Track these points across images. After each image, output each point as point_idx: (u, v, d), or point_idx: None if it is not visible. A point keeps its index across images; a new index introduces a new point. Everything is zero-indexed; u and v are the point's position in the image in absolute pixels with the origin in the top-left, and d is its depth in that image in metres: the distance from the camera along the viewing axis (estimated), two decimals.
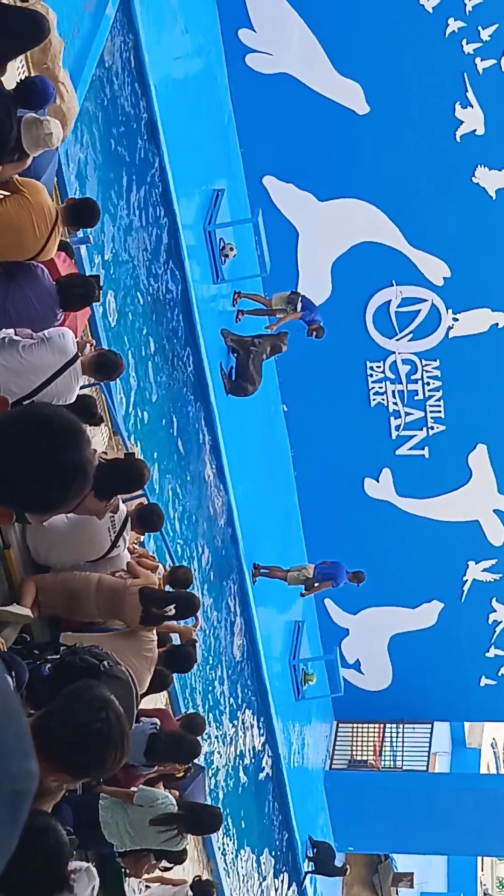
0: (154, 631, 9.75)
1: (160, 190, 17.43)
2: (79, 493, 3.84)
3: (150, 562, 10.99)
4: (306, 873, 22.90)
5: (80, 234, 12.33)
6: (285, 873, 22.39)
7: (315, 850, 23.02)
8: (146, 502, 11.70)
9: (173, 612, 9.66)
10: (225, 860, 18.39)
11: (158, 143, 17.14)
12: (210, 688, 18.79)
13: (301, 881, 22.83)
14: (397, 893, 27.75)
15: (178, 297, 18.11)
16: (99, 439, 13.40)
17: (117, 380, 13.18)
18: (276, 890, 21.76)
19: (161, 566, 12.02)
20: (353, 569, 21.15)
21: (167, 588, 11.69)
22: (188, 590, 11.70)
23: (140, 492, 11.65)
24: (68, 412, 3.84)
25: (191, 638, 12.08)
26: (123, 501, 10.00)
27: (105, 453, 11.17)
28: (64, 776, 4.53)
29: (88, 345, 10.59)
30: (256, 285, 21.07)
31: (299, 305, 20.11)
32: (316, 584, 21.07)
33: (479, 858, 37.98)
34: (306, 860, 22.90)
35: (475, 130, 20.57)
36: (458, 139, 20.63)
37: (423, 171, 21.01)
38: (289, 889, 22.54)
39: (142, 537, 12.34)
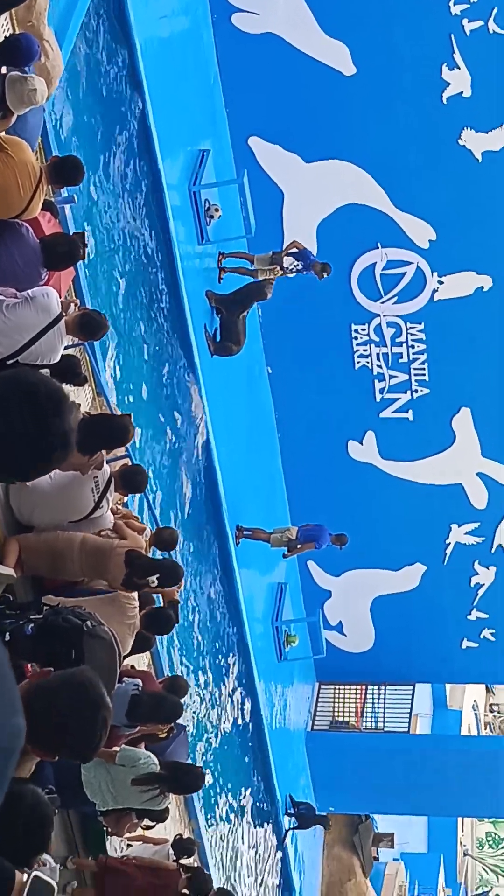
0: (135, 595, 9.73)
1: (145, 150, 17.34)
2: (61, 460, 3.84)
3: (137, 524, 10.98)
4: (287, 830, 23.03)
5: (65, 193, 12.26)
6: (266, 831, 22.51)
7: (296, 808, 23.14)
8: (130, 463, 11.70)
9: (156, 583, 9.65)
10: (206, 819, 18.47)
11: (143, 102, 17.05)
12: (192, 649, 18.83)
13: (282, 838, 22.97)
14: (377, 853, 27.92)
15: (162, 258, 18.04)
16: (83, 399, 13.37)
17: (102, 340, 13.15)
18: (257, 848, 21.88)
19: (147, 528, 12.03)
20: (337, 531, 21.18)
21: (153, 549, 11.71)
22: (173, 551, 11.73)
23: (124, 452, 11.65)
24: (53, 380, 3.84)
25: (173, 599, 12.10)
26: (107, 462, 9.98)
27: (88, 413, 11.16)
28: (44, 754, 4.54)
29: (73, 304, 10.56)
30: (241, 247, 20.98)
31: (289, 261, 20.03)
32: (299, 546, 21.11)
33: (459, 819, 38.24)
34: (286, 817, 23.02)
35: (462, 92, 20.49)
36: (444, 101, 20.55)
37: (410, 133, 20.93)
38: (270, 847, 22.66)
39: (125, 498, 12.33)
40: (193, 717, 18.45)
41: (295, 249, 20.33)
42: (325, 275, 20.19)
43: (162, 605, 11.80)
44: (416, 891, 32.02)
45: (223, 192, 20.34)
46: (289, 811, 23.07)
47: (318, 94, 20.88)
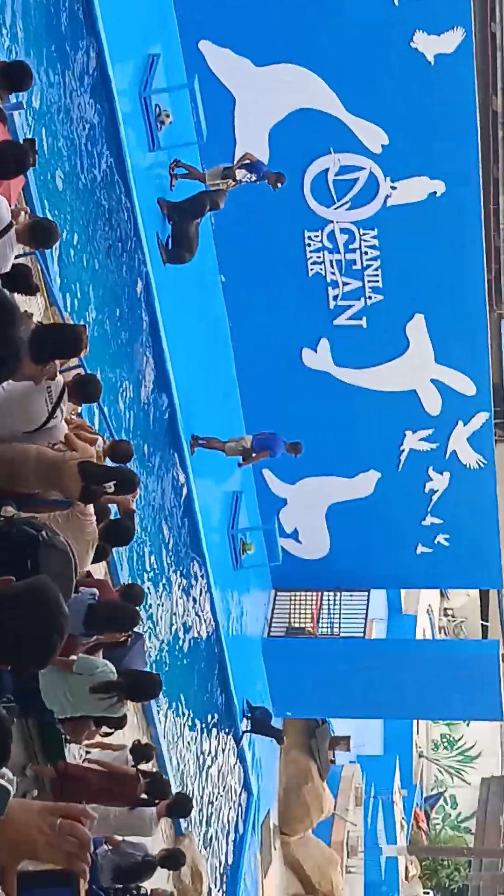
0: (91, 509, 9.69)
1: (95, 55, 17.07)
2: (12, 369, 3.80)
3: (89, 434, 10.92)
4: (244, 732, 23.28)
5: (13, 99, 12.08)
6: (224, 737, 22.74)
7: (252, 712, 23.37)
8: (84, 373, 11.63)
9: (113, 489, 9.62)
10: (164, 726, 18.64)
11: (92, 7, 16.75)
12: (148, 558, 18.89)
13: (239, 739, 23.21)
14: (334, 756, 28.28)
15: (113, 165, 17.83)
16: (35, 309, 13.27)
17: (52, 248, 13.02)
18: (215, 754, 22.12)
19: (101, 438, 11.97)
20: (291, 440, 21.23)
21: (107, 461, 11.67)
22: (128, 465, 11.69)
23: (77, 362, 11.58)
24: (2, 290, 3.80)
25: (129, 509, 12.09)
26: (60, 372, 9.91)
27: (41, 323, 11.06)
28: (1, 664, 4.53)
29: (23, 212, 10.43)
30: (193, 152, 20.79)
31: (242, 174, 19.87)
32: (254, 455, 21.15)
33: (415, 722, 38.78)
34: (244, 720, 23.26)
35: None
36: (396, 3, 20.30)
37: (362, 36, 20.69)
38: (228, 752, 22.91)
39: (79, 408, 12.28)
40: (150, 625, 18.54)
41: (247, 161, 20.14)
42: (279, 185, 20.07)
43: (119, 516, 11.80)
44: (373, 792, 32.51)
45: (174, 97, 20.09)
46: (245, 714, 23.30)
47: None
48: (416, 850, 37.85)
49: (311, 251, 22.58)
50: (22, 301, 11.29)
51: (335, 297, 22.87)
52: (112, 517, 11.31)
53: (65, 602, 4.46)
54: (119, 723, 11.85)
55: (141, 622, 11.97)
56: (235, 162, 20.16)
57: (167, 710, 19.16)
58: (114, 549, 14.00)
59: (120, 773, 12.56)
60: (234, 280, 22.78)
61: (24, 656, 4.35)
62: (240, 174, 19.92)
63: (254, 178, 20.03)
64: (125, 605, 10.97)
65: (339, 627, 26.16)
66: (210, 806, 21.64)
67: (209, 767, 21.69)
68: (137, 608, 11.17)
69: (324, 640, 26.13)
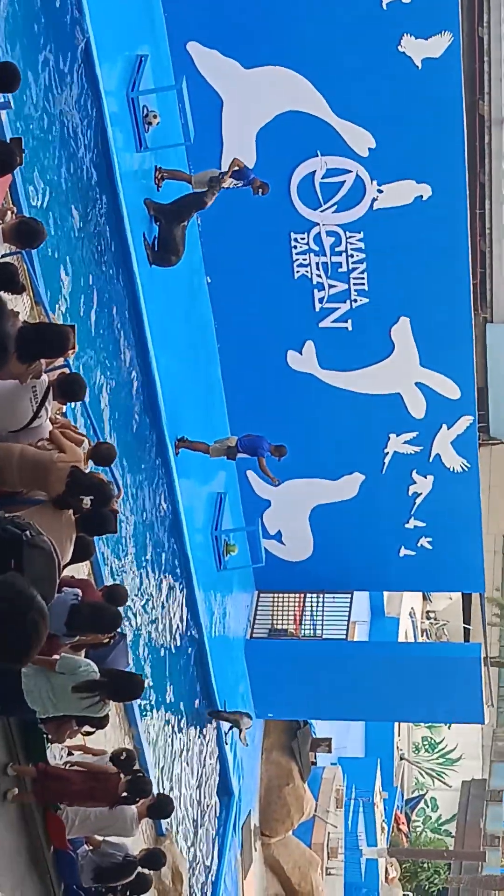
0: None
1: (82, 55, 17.07)
2: (2, 363, 3.82)
3: (75, 434, 10.93)
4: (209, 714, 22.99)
5: (1, 98, 12.08)
6: (205, 737, 22.75)
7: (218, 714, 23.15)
8: (68, 372, 11.63)
9: (89, 504, 9.62)
10: (146, 725, 18.64)
11: (81, 7, 16.76)
12: (132, 559, 18.89)
13: (224, 735, 23.13)
14: (315, 758, 28.33)
15: (100, 165, 17.83)
16: (21, 308, 13.27)
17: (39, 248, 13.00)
18: (195, 755, 22.12)
19: (87, 440, 11.97)
20: (276, 441, 21.27)
21: (90, 463, 11.67)
22: (111, 466, 11.68)
23: (63, 362, 11.59)
24: None
25: (112, 509, 12.09)
26: (45, 372, 9.92)
27: (27, 322, 11.06)
28: None
29: (9, 212, 10.45)
30: (180, 154, 20.81)
31: (229, 182, 19.88)
32: (239, 451, 21.21)
33: (396, 724, 38.85)
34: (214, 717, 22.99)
35: None
36: (384, 6, 20.34)
37: (349, 40, 20.73)
38: (209, 752, 22.91)
39: (64, 408, 12.28)
40: (133, 626, 18.55)
41: (236, 168, 20.13)
42: (261, 192, 20.08)
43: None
44: (354, 794, 32.56)
45: (161, 98, 20.10)
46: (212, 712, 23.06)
47: None
48: (397, 853, 37.90)
49: (297, 253, 22.62)
50: (8, 300, 11.30)
51: (321, 300, 22.90)
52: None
53: (46, 602, 4.46)
54: (101, 722, 11.87)
55: (123, 623, 11.99)
56: (228, 170, 20.08)
57: (149, 709, 19.16)
58: (97, 552, 14.02)
59: (101, 772, 12.57)
60: (220, 281, 22.80)
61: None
62: (226, 182, 19.92)
63: (240, 185, 20.06)
64: (108, 606, 10.98)
65: (322, 629, 26.18)
66: (191, 806, 21.64)
67: (191, 768, 21.70)
68: (120, 609, 11.19)
69: (306, 641, 26.15)
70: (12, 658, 4.40)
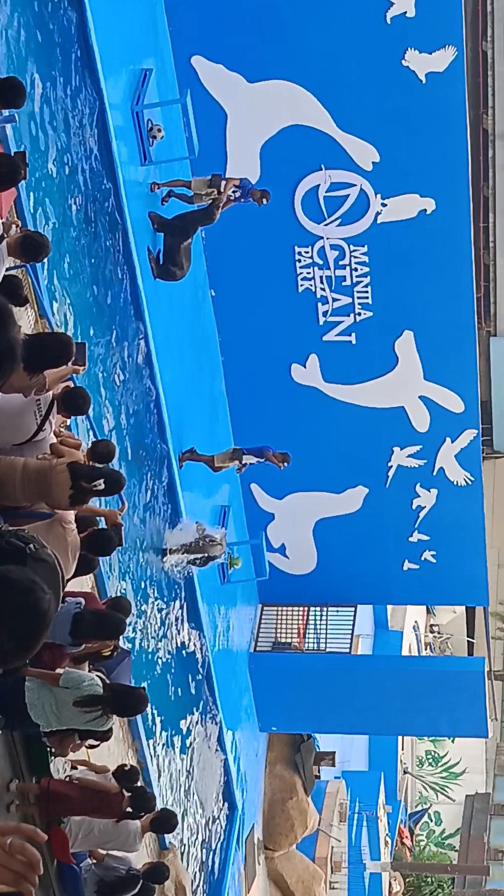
0: (72, 519, 9.66)
1: (87, 69, 17.11)
2: (6, 373, 3.81)
3: (73, 440, 10.94)
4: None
5: (6, 113, 12.11)
6: (209, 751, 22.71)
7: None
8: (72, 385, 11.65)
9: (102, 486, 9.61)
10: (149, 739, 18.62)
11: (85, 21, 16.80)
12: (136, 571, 18.89)
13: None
14: (319, 772, 28.28)
15: (105, 179, 17.86)
16: (25, 321, 13.29)
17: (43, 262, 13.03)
18: (198, 768, 22.08)
19: (83, 444, 11.97)
20: (280, 452, 21.28)
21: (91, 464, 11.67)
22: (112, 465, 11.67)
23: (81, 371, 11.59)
24: None
25: (116, 522, 12.10)
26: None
27: (31, 334, 11.07)
28: None
29: (14, 226, 10.47)
30: (185, 167, 20.83)
31: (229, 189, 19.87)
32: (244, 455, 21.17)
33: (400, 738, 38.78)
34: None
35: (406, 12, 20.32)
36: (388, 21, 20.38)
37: (353, 54, 20.76)
38: (213, 765, 22.88)
39: (68, 421, 12.30)
40: (137, 640, 18.54)
41: (233, 186, 20.10)
42: (264, 201, 20.09)
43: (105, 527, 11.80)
44: (357, 808, 32.51)
45: (166, 112, 20.13)
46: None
47: (262, 13, 20.64)
48: (400, 867, 37.82)
49: (301, 267, 22.64)
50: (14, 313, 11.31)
51: (325, 313, 22.91)
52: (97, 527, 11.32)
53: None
54: (104, 736, 11.86)
55: (127, 633, 11.99)
56: (224, 191, 20.01)
57: (152, 723, 19.15)
58: (101, 563, 14.01)
59: (104, 790, 12.56)
60: (224, 295, 22.81)
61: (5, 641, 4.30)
62: (225, 198, 19.87)
63: (239, 194, 20.01)
64: (111, 613, 11.00)
65: (326, 643, 26.15)
66: (194, 820, 21.62)
67: (194, 781, 21.67)
68: (124, 618, 11.19)
69: (310, 655, 26.12)
70: (21, 642, 4.34)
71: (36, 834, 3.65)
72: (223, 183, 19.88)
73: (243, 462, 21.36)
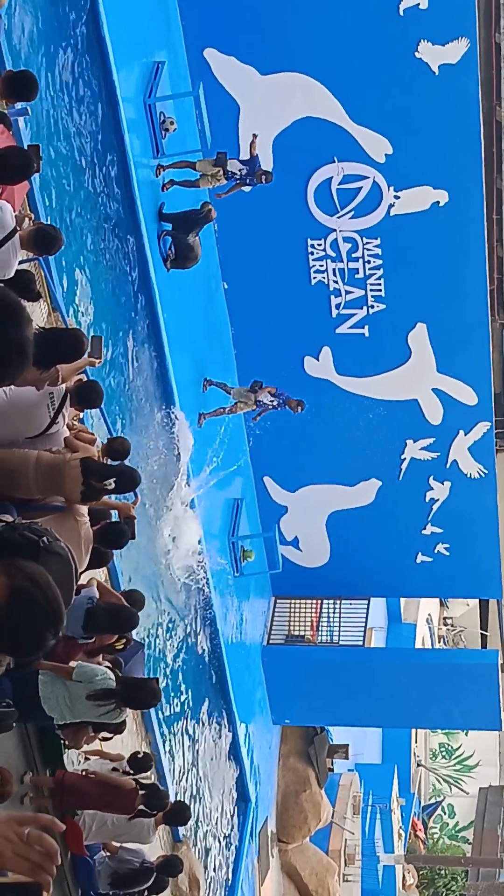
0: (85, 512, 9.66)
1: (100, 62, 17.11)
2: (19, 370, 3.81)
3: (88, 435, 10.93)
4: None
5: (19, 105, 12.11)
6: (222, 743, 22.73)
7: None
8: (85, 379, 11.64)
9: (113, 485, 9.61)
10: (162, 732, 18.64)
11: (98, 14, 16.79)
12: (150, 565, 18.89)
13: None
14: (332, 764, 28.29)
15: (117, 171, 17.86)
16: (37, 314, 13.29)
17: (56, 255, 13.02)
18: (212, 761, 22.11)
19: (98, 439, 11.97)
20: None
21: (106, 460, 11.67)
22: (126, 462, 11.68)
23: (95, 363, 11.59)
24: (9, 290, 3.81)
25: (129, 515, 12.09)
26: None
27: (43, 328, 11.07)
28: None
29: (27, 219, 10.47)
30: (197, 160, 20.79)
31: (235, 165, 19.73)
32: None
33: (413, 731, 38.76)
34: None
35: (418, 4, 20.28)
36: (401, 13, 20.34)
37: (366, 46, 20.73)
38: (226, 758, 22.90)
39: (81, 414, 12.30)
40: (150, 632, 18.55)
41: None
42: (265, 181, 19.90)
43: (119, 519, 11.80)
44: (371, 801, 32.51)
45: (178, 104, 20.12)
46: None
47: (274, 5, 20.62)
48: (414, 859, 37.83)
49: (314, 259, 22.61)
50: (25, 307, 11.31)
51: (337, 306, 22.89)
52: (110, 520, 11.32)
53: (65, 607, 4.44)
54: (118, 728, 11.86)
55: (140, 629, 11.99)
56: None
57: (166, 716, 19.16)
58: (115, 556, 14.01)
59: (118, 786, 12.55)
60: (237, 287, 22.79)
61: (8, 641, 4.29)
62: (232, 165, 19.73)
63: (245, 172, 19.82)
64: (123, 607, 11.00)
65: (339, 636, 26.15)
66: (208, 813, 21.63)
67: (207, 774, 21.68)
68: (137, 612, 11.20)
69: (323, 648, 26.12)
70: (22, 649, 4.33)
71: (54, 824, 3.65)
72: (229, 161, 19.75)
73: (258, 399, 21.23)
